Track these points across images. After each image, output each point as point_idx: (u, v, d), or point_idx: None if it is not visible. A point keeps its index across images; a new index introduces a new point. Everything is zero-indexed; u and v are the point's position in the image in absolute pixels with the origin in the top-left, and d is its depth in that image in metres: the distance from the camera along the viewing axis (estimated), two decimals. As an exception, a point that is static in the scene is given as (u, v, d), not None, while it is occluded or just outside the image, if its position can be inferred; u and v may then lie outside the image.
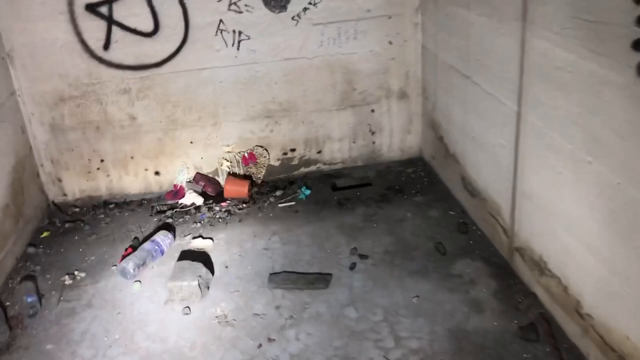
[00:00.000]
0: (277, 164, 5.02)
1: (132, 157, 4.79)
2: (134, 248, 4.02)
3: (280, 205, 4.59)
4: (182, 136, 4.78)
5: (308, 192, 4.67)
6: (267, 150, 4.93)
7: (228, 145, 4.88)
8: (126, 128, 4.67)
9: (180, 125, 4.74)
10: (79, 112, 4.57)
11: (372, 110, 4.96)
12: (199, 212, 4.59)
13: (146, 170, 4.86)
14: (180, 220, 4.48)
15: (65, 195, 4.85)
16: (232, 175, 4.87)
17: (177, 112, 4.69)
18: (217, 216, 4.51)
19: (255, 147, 4.90)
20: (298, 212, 4.46)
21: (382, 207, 4.41)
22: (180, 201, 4.75)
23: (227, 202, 4.70)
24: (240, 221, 4.41)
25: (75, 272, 3.91)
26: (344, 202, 4.54)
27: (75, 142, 4.67)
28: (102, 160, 4.76)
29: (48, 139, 4.63)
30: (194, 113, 4.71)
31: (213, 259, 3.92)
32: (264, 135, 4.90)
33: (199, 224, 4.41)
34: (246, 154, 4.87)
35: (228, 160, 4.86)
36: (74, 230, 4.47)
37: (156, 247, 3.93)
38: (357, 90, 4.86)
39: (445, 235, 3.98)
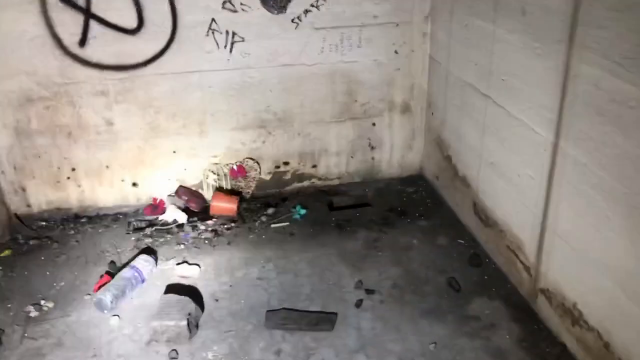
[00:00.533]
0: (268, 177, 4.60)
1: (107, 167, 4.30)
2: (111, 275, 3.56)
3: (273, 225, 4.17)
4: (164, 145, 4.32)
5: (304, 211, 4.27)
6: (258, 163, 4.50)
7: (215, 157, 4.44)
8: (102, 134, 4.18)
9: (163, 133, 4.27)
10: (49, 115, 4.05)
11: (373, 124, 4.59)
12: (182, 230, 4.14)
13: (122, 181, 4.38)
14: (161, 240, 4.03)
15: (29, 206, 4.33)
16: (219, 190, 4.42)
17: (160, 119, 4.22)
18: (203, 236, 4.07)
19: (246, 160, 4.48)
20: (294, 235, 4.06)
21: (386, 232, 4.05)
22: (160, 217, 4.28)
23: (214, 220, 4.26)
24: (229, 243, 3.98)
25: (42, 302, 3.43)
26: (343, 225, 4.15)
27: (43, 147, 4.15)
28: (73, 169, 4.26)
29: (11, 144, 4.10)
30: (179, 120, 4.25)
31: (201, 290, 3.49)
32: (256, 147, 4.48)
33: (182, 246, 3.97)
34: (235, 167, 4.44)
35: (215, 173, 4.42)
36: (40, 249, 3.97)
37: (136, 274, 3.48)
38: (359, 102, 4.49)
39: (457, 268, 3.65)
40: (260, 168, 4.52)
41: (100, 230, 4.19)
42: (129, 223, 4.26)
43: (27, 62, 3.89)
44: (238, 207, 4.28)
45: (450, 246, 3.89)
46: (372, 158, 4.73)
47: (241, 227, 4.17)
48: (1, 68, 3.88)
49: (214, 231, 4.12)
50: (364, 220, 4.21)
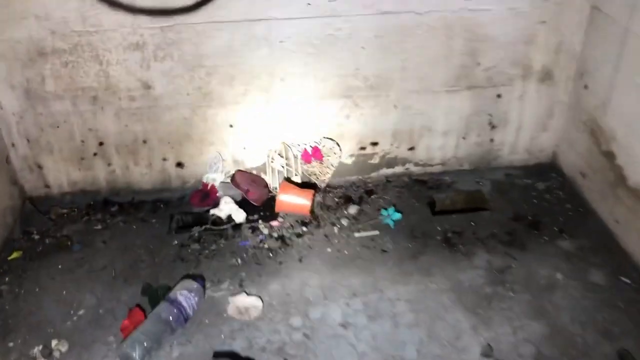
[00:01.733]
0: (349, 161, 3.49)
1: (144, 142, 3.28)
2: (143, 310, 2.60)
3: (358, 235, 3.10)
4: (219, 116, 3.24)
5: (398, 216, 3.16)
6: (339, 145, 3.37)
7: (284, 134, 3.33)
8: (137, 100, 3.13)
9: (217, 101, 3.18)
10: (68, 74, 3.02)
11: (499, 95, 3.36)
12: (239, 234, 3.13)
13: (164, 160, 3.37)
14: (212, 248, 3.04)
15: (48, 187, 3.40)
16: (288, 180, 3.35)
17: (213, 83, 3.12)
18: (266, 246, 3.04)
19: (323, 139, 3.35)
20: (387, 253, 2.99)
21: (514, 256, 2.92)
22: (212, 211, 3.26)
23: (280, 220, 3.22)
24: (300, 260, 2.96)
25: (54, 343, 2.54)
26: (454, 240, 3.05)
27: (62, 115, 3.15)
28: (101, 144, 3.26)
29: (22, 109, 3.11)
30: (238, 85, 3.15)
31: (263, 340, 2.50)
32: (337, 122, 3.34)
33: (239, 260, 2.96)
34: (309, 148, 3.33)
35: (282, 156, 3.33)
36: (58, 252, 3.07)
37: (176, 312, 2.51)
38: (482, 65, 3.24)
39: (628, 330, 2.52)
40: (341, 150, 3.39)
41: (134, 227, 3.22)
42: (172, 218, 3.27)
43: (38, 3, 2.82)
44: (312, 204, 3.21)
45: (610, 287, 2.75)
46: (491, 140, 3.52)
47: (316, 234, 3.12)
48: (3, 9, 2.81)
49: (281, 238, 3.09)
50: (482, 234, 3.08)
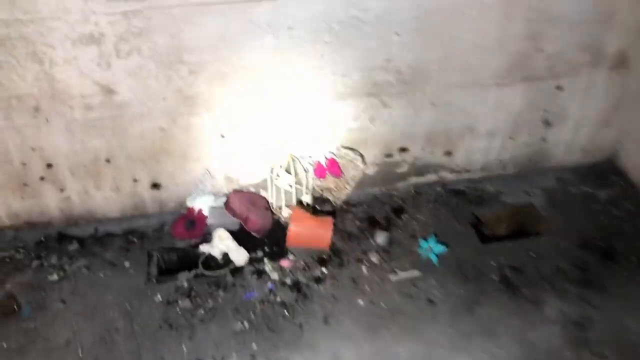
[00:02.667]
0: (371, 170, 2.77)
1: (107, 160, 2.48)
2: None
3: (394, 278, 2.43)
4: (206, 125, 2.46)
5: (441, 248, 2.49)
6: (362, 156, 2.65)
7: (291, 144, 2.57)
8: (96, 109, 2.31)
9: (204, 106, 2.40)
10: (-6, 78, 2.15)
11: (559, 88, 2.67)
12: (240, 281, 2.42)
13: (135, 181, 2.58)
14: (208, 305, 2.34)
15: (-19, 221, 2.57)
16: (299, 204, 2.62)
17: (199, 83, 2.31)
18: (278, 299, 2.34)
19: (342, 149, 2.61)
20: (434, 305, 2.34)
21: (593, 303, 2.34)
22: (202, 247, 2.53)
23: (291, 257, 2.51)
24: (326, 321, 2.29)
25: None
26: (514, 280, 2.44)
27: (-9, 132, 2.30)
28: (49, 165, 2.45)
29: None
30: (232, 85, 2.36)
31: None
32: (358, 127, 2.60)
33: (246, 324, 2.26)
34: (323, 160, 2.59)
35: (290, 171, 2.59)
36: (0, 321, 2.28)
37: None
38: (545, 51, 2.53)
39: None
40: (364, 162, 2.66)
41: (102, 274, 2.46)
42: (150, 257, 2.52)
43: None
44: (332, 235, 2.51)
45: None
46: (543, 139, 2.86)
47: (339, 278, 2.45)
48: None
49: (296, 286, 2.40)
50: (546, 270, 2.48)
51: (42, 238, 2.62)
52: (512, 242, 2.62)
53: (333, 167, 2.61)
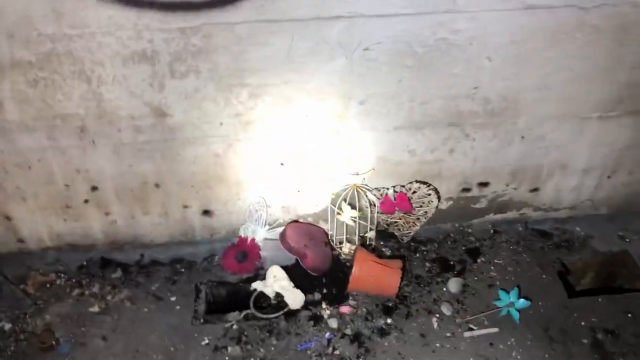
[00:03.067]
0: (444, 205, 2.46)
1: (157, 185, 2.25)
2: None
3: (468, 335, 2.13)
4: (265, 152, 2.19)
5: (524, 303, 2.17)
6: (436, 191, 2.35)
7: (356, 174, 2.29)
8: (146, 132, 2.09)
9: (263, 132, 2.17)
10: (39, 96, 1.96)
11: (672, 123, 2.28)
12: (294, 328, 2.17)
13: (185, 207, 2.35)
14: (260, 355, 2.08)
15: (21, 241, 2.42)
16: (362, 240, 2.35)
17: (259, 107, 2.05)
18: (338, 352, 2.09)
19: (414, 185, 2.31)
20: (517, 372, 2.03)
21: None
22: (254, 284, 2.29)
23: (351, 302, 2.24)
24: (391, 382, 2.00)
25: None
26: (607, 347, 2.12)
27: (33, 152, 2.13)
28: (94, 188, 2.24)
29: (-27, 144, 2.07)
30: (296, 110, 2.08)
31: None
32: (434, 159, 2.30)
33: (301, 379, 2.02)
34: (392, 194, 2.30)
35: (353, 204, 2.31)
36: (35, 356, 2.10)
37: None
38: (661, 82, 2.15)
39: None
40: (439, 199, 2.36)
41: (145, 309, 2.25)
42: (198, 291, 2.30)
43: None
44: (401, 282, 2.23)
45: None
46: (645, 179, 2.49)
47: (406, 330, 2.18)
48: None
49: (357, 338, 2.14)
50: (647, 336, 2.12)
51: (85, 262, 2.44)
52: (605, 299, 2.28)
53: (403, 202, 2.32)
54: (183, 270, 2.42)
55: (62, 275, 2.39)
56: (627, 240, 2.51)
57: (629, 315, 2.22)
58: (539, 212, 2.58)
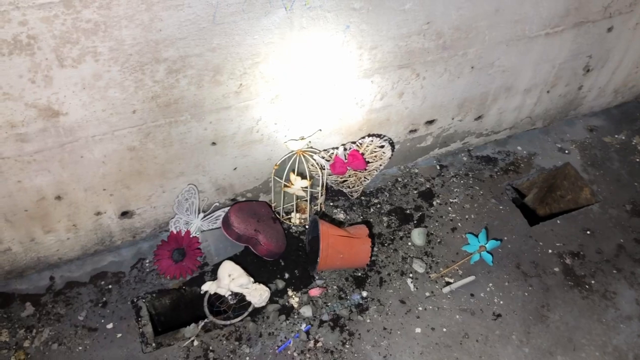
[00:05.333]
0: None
1: (58, 198, 1.76)
2: None
3: (447, 290, 2.03)
4: (192, 134, 1.78)
5: (496, 244, 2.08)
6: (391, 143, 2.11)
7: (302, 138, 1.98)
8: (34, 140, 1.57)
9: (189, 112, 1.71)
10: None
11: (610, 29, 2.22)
12: (265, 327, 1.91)
13: (98, 214, 1.89)
14: (227, 357, 1.82)
15: None
16: (324, 218, 2.08)
17: (181, 84, 1.60)
18: (320, 343, 1.88)
19: (365, 138, 2.05)
20: (503, 318, 1.97)
21: (667, 286, 2.08)
22: (204, 287, 1.96)
23: (318, 282, 2.02)
24: (386, 364, 1.86)
25: None
26: (577, 270, 2.13)
27: None
28: (-28, 218, 1.69)
29: None
30: (227, 80, 1.66)
31: None
32: (383, 106, 2.04)
33: (291, 387, 1.80)
34: (342, 153, 2.03)
35: (301, 173, 2.01)
36: None
37: None
38: (607, -9, 2.02)
39: None
40: (393, 149, 2.13)
41: (79, 347, 1.85)
42: (138, 309, 1.91)
43: None
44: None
45: None
46: (579, 87, 2.46)
47: (384, 299, 2.02)
48: None
49: (336, 322, 1.93)
50: (608, 250, 2.20)
51: (-22, 301, 1.91)
52: (563, 219, 2.26)
53: (356, 160, 2.05)
54: (110, 286, 2.00)
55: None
56: (567, 152, 2.49)
57: (588, 232, 2.23)
58: (480, 137, 2.45)
